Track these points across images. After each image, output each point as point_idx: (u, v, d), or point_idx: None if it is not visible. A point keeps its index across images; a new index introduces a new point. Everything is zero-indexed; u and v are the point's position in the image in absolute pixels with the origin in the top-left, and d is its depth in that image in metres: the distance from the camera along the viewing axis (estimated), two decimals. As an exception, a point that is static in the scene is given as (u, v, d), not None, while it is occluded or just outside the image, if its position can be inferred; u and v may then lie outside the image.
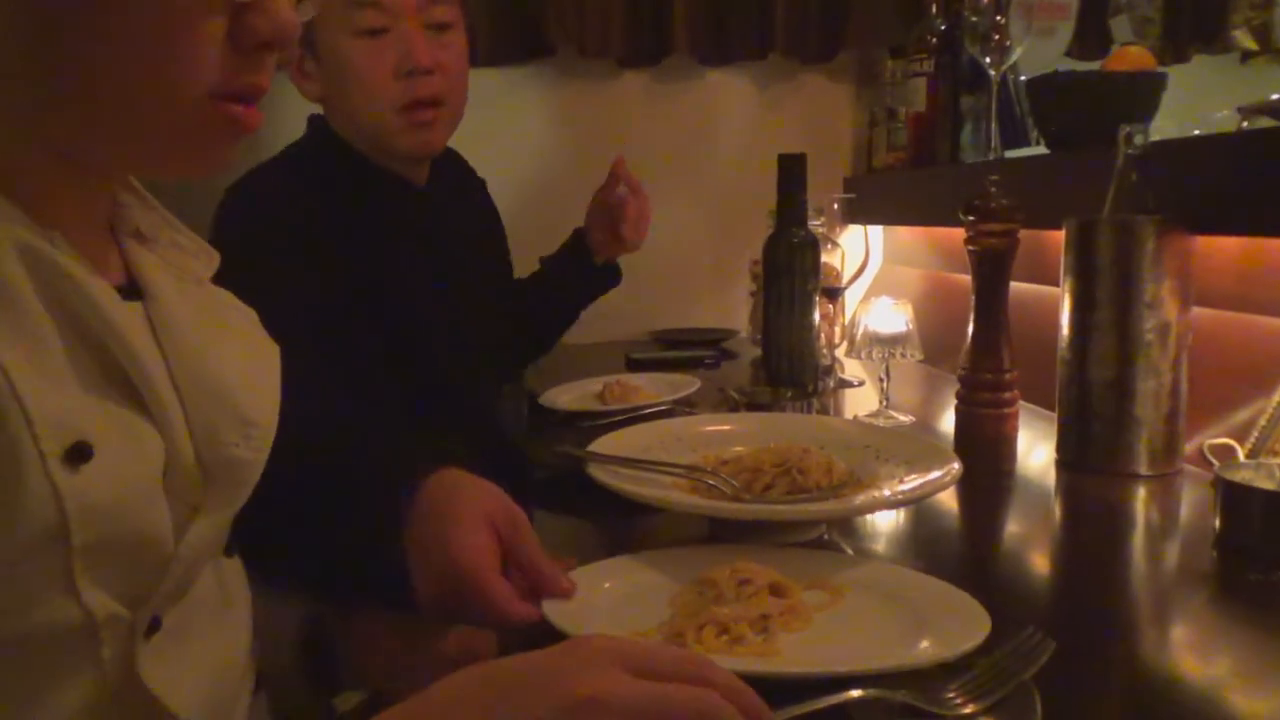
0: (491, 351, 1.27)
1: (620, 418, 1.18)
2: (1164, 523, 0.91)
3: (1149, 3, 1.98)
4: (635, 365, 1.60)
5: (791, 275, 1.14)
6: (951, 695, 0.51)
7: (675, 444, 0.90)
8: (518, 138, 1.85)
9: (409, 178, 1.17)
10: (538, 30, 1.78)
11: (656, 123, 1.92)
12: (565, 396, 1.30)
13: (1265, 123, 1.11)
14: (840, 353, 1.49)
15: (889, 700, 0.51)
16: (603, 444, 0.88)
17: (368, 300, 1.08)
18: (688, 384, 1.28)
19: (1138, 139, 1.00)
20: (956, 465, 0.79)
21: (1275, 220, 0.92)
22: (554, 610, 0.60)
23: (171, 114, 0.46)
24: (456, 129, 1.19)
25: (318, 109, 1.17)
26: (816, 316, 1.17)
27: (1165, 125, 1.70)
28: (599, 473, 0.79)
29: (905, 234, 1.91)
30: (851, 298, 1.77)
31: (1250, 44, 1.90)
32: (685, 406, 1.23)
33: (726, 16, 1.83)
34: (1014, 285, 1.16)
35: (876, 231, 2.00)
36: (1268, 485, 0.76)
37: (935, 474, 0.78)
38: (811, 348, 1.14)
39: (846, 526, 0.84)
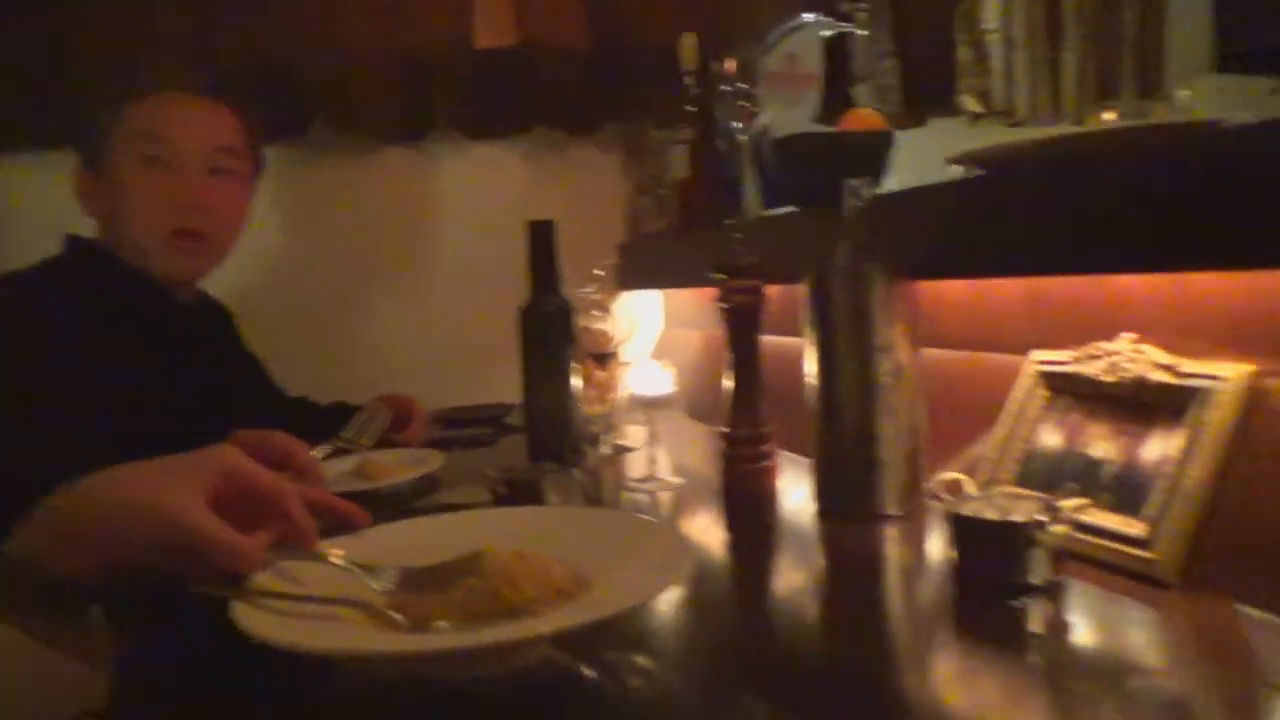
0: None
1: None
2: (912, 561, 0.92)
3: (889, 72, 2.14)
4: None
5: (546, 343, 1.11)
6: None
7: (392, 554, 0.75)
8: (272, 219, 1.75)
9: (174, 295, 1.32)
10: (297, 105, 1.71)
11: (422, 200, 1.88)
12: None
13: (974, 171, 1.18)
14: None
15: None
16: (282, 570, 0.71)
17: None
18: (431, 460, 1.24)
19: (863, 192, 1.04)
20: (685, 564, 0.70)
21: (984, 263, 0.97)
22: None
23: None
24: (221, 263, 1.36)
25: None
26: (576, 384, 1.14)
27: (908, 180, 1.82)
28: (247, 617, 0.62)
29: (684, 297, 1.93)
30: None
31: (975, 107, 2.07)
32: (430, 483, 1.22)
33: (486, 90, 1.82)
34: (775, 340, 1.18)
35: (655, 296, 2.02)
36: (992, 516, 0.78)
37: (659, 577, 0.67)
38: (570, 416, 1.10)
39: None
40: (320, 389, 1.62)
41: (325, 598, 0.68)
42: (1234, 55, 2.45)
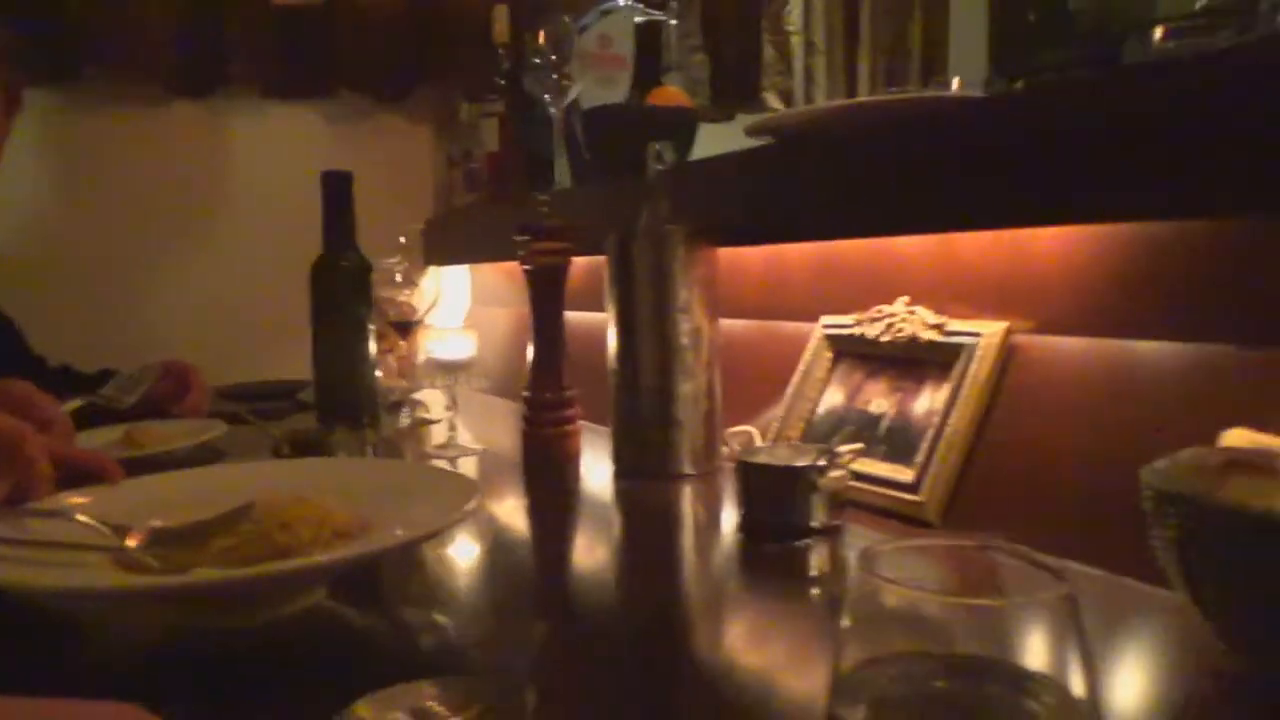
0: None
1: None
2: (706, 516, 0.94)
3: (699, 66, 2.19)
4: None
5: (341, 302, 1.06)
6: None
7: (153, 508, 0.70)
8: (37, 169, 1.58)
9: None
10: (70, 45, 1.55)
11: (212, 158, 1.75)
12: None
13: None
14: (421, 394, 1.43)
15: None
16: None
17: None
18: (210, 429, 1.15)
19: (666, 156, 1.05)
20: (469, 503, 0.67)
21: (776, 227, 1.01)
22: None
23: None
24: None
25: None
26: (372, 345, 1.09)
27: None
28: None
29: (492, 275, 1.91)
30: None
31: (778, 104, 2.17)
32: (209, 455, 1.12)
33: (285, 47, 1.73)
34: (580, 315, 1.18)
35: (463, 272, 1.98)
36: (775, 463, 0.81)
37: (442, 515, 0.66)
38: (366, 378, 1.06)
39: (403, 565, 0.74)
40: (90, 359, 1.48)
41: (73, 544, 0.61)
42: (1006, 75, 2.67)
